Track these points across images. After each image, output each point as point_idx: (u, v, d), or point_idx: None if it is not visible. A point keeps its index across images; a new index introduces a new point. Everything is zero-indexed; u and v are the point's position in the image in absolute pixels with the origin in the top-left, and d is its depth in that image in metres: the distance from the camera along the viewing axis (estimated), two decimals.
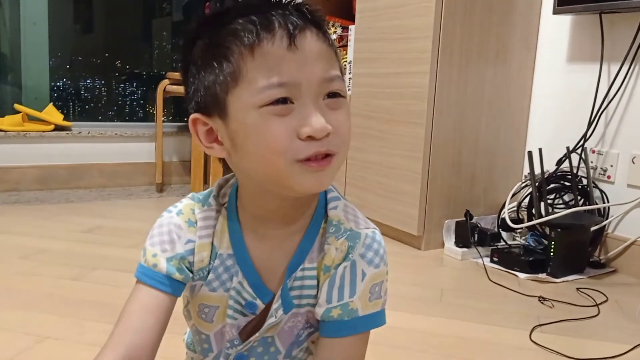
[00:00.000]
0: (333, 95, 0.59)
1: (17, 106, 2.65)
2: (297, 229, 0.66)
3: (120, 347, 0.62)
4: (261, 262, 0.66)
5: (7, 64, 2.87)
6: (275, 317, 0.65)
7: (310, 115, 0.56)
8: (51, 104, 2.75)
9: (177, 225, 0.66)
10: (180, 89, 2.58)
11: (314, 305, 0.66)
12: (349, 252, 0.64)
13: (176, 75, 2.66)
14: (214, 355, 0.69)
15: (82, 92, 3.18)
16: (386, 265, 0.66)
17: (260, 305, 0.66)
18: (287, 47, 0.56)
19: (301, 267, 0.65)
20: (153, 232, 0.66)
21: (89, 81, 3.21)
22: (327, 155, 0.59)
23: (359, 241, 0.65)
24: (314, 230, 0.67)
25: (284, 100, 0.56)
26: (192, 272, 0.66)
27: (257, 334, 0.67)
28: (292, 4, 0.61)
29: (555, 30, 2.01)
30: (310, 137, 0.57)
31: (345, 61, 2.26)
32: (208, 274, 0.66)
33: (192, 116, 0.62)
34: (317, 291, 0.66)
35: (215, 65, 0.59)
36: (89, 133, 2.72)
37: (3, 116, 2.63)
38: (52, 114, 2.70)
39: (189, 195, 0.70)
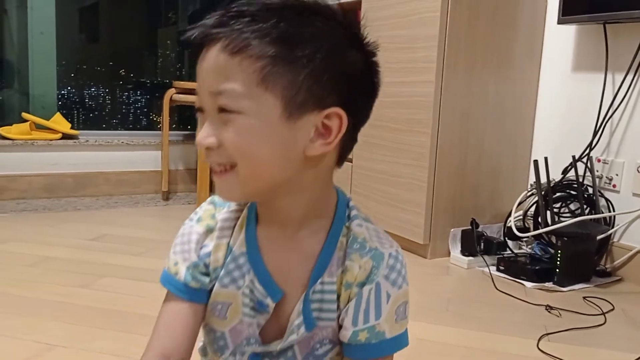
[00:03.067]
0: (221, 110, 0.58)
1: (24, 115, 2.67)
2: (308, 232, 0.66)
3: (157, 349, 0.66)
4: (273, 262, 0.66)
5: (15, 73, 2.90)
6: (297, 335, 0.66)
7: (199, 129, 0.61)
8: (58, 112, 2.77)
9: (197, 232, 0.68)
10: (186, 98, 2.61)
11: (333, 320, 0.66)
12: (372, 272, 0.64)
13: (183, 84, 2.68)
14: (230, 352, 0.68)
15: (87, 100, 3.20)
16: (407, 285, 0.67)
17: (270, 304, 0.66)
18: (199, 60, 0.60)
19: (320, 280, 0.65)
20: (176, 242, 0.69)
21: (93, 89, 3.24)
22: (226, 169, 0.60)
23: (383, 262, 0.65)
24: (333, 242, 0.66)
25: (198, 109, 0.61)
26: (208, 275, 0.68)
27: (278, 344, 0.67)
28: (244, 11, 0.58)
29: (560, 40, 2.02)
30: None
31: None
32: (220, 272, 0.67)
33: None
34: (337, 306, 0.66)
35: None
36: (95, 141, 2.74)
37: (11, 125, 2.65)
38: (60, 122, 2.71)
39: (209, 199, 0.71)
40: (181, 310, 0.67)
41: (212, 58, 0.58)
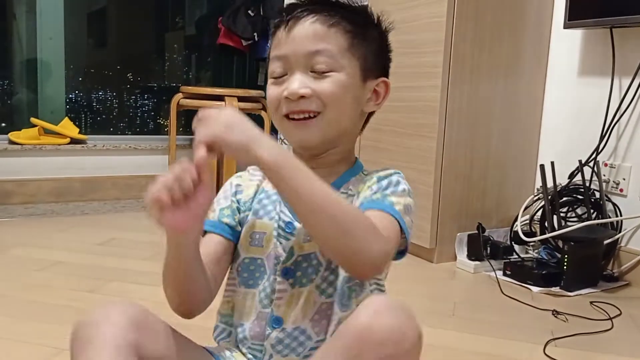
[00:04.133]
0: (317, 67, 0.75)
1: (33, 120, 2.70)
2: (333, 173, 0.80)
3: None
4: None
5: (24, 79, 2.92)
6: None
7: (291, 83, 0.75)
8: (67, 117, 2.79)
9: (230, 182, 0.85)
10: (193, 103, 2.63)
11: None
12: (391, 177, 0.79)
13: (190, 89, 2.69)
14: (267, 278, 0.78)
15: (95, 104, 3.23)
16: (413, 203, 0.79)
17: (297, 225, 0.77)
18: (284, 30, 0.77)
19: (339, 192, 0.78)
20: (217, 195, 0.83)
21: (101, 93, 3.26)
22: (310, 116, 0.75)
23: (401, 177, 0.80)
24: (351, 174, 0.82)
25: (278, 76, 0.77)
26: (239, 212, 0.81)
27: (295, 230, 0.77)
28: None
29: (566, 44, 2.02)
30: (287, 98, 0.75)
31: None
32: (251, 204, 0.81)
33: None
34: (354, 199, 0.78)
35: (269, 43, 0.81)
36: (103, 146, 2.76)
37: (20, 130, 2.68)
38: (68, 127, 2.73)
39: None
40: (211, 241, 0.79)
41: (311, 28, 0.75)
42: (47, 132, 2.71)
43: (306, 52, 0.75)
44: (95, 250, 1.94)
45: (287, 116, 0.76)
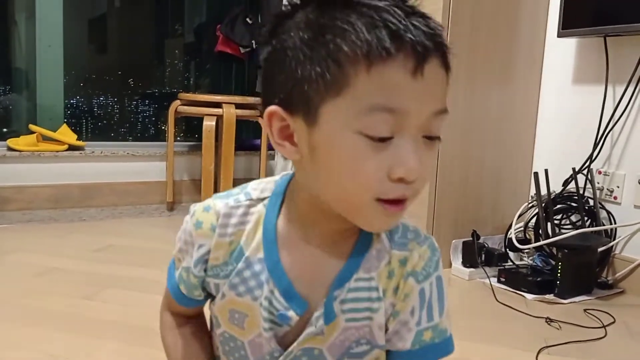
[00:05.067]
0: (430, 137, 0.53)
1: (31, 127, 2.71)
2: (340, 229, 0.59)
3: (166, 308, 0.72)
4: (296, 267, 0.59)
5: (23, 85, 2.93)
6: (315, 327, 0.58)
7: (408, 155, 0.51)
8: (65, 124, 2.81)
9: (189, 232, 0.63)
10: (191, 110, 2.64)
11: (370, 319, 0.59)
12: (429, 263, 0.60)
13: (188, 96, 2.70)
14: None
15: (95, 110, 3.24)
16: None
17: (294, 317, 0.59)
18: (412, 73, 0.49)
19: (355, 277, 0.58)
20: (179, 236, 0.65)
21: (102, 99, 3.27)
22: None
23: (438, 254, 0.61)
24: (368, 236, 0.60)
25: (385, 138, 0.50)
26: (204, 280, 0.64)
27: (294, 344, 0.60)
28: (423, 15, 0.52)
29: (560, 53, 2.04)
30: (401, 179, 0.51)
31: None
32: (223, 270, 0.61)
33: (270, 108, 0.54)
34: (380, 303, 0.59)
35: (317, 59, 0.50)
36: (101, 153, 2.77)
37: (18, 136, 2.68)
38: (66, 134, 2.75)
39: (214, 195, 0.65)
40: (177, 305, 0.69)
41: (439, 76, 0.52)
42: (46, 138, 2.72)
43: (435, 111, 0.52)
44: (92, 257, 1.94)
45: (384, 200, 0.52)
